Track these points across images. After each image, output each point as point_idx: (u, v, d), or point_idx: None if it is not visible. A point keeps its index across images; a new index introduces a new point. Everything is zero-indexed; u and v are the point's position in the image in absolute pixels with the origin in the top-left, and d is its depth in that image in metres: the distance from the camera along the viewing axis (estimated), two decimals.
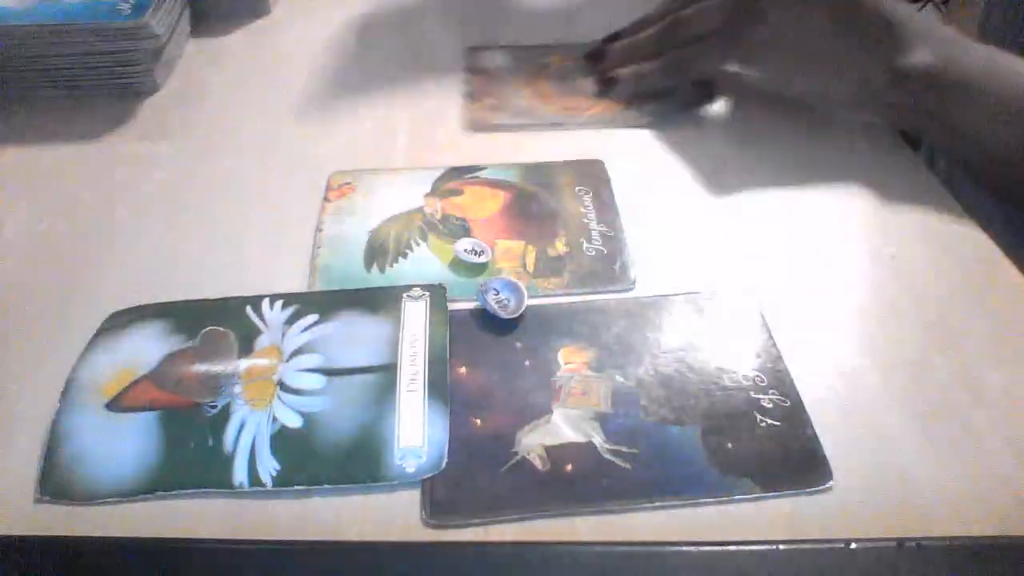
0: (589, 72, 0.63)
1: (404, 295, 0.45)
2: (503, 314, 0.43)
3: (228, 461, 0.37)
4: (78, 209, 0.52)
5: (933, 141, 0.53)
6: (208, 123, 0.60)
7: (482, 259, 0.47)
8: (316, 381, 0.40)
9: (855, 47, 0.53)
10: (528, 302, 0.44)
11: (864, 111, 0.55)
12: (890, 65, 0.51)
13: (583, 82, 0.63)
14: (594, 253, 0.48)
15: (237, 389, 0.40)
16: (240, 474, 0.36)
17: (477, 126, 0.59)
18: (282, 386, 0.40)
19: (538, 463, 0.37)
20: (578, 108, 0.61)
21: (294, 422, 0.38)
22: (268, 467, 0.36)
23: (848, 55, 0.53)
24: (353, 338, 0.42)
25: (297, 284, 0.46)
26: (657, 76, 0.59)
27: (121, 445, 0.37)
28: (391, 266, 0.47)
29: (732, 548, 0.33)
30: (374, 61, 0.68)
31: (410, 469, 0.36)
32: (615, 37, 0.65)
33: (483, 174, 0.54)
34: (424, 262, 0.47)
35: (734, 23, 0.56)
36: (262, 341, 0.42)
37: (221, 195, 0.53)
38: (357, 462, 0.36)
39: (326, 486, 0.36)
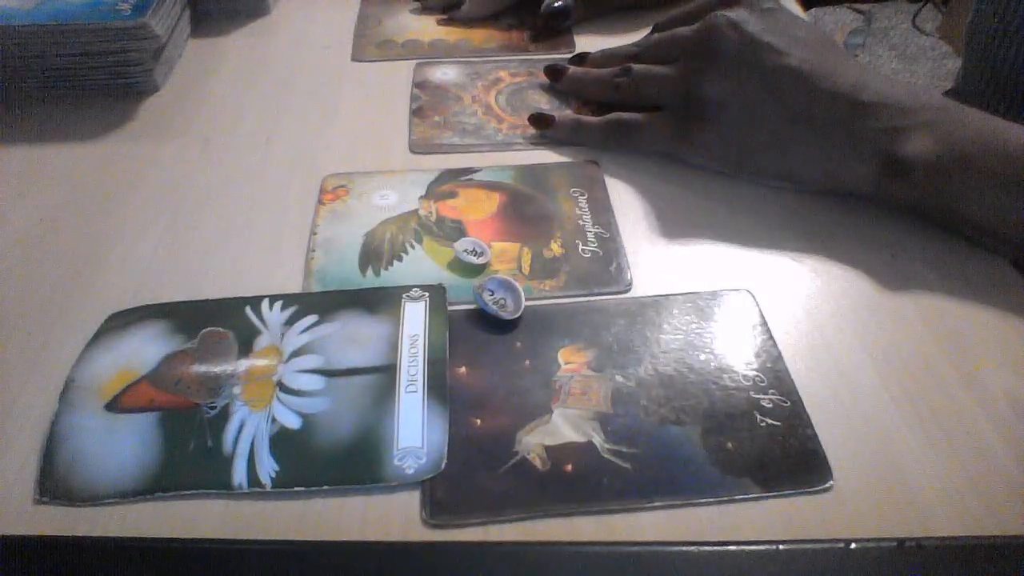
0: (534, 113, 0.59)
1: (403, 295, 0.45)
2: (504, 315, 0.43)
3: (227, 462, 0.37)
4: (78, 209, 0.52)
5: (931, 221, 0.48)
6: (208, 123, 0.60)
7: (482, 260, 0.47)
8: (315, 382, 0.40)
9: (822, 135, 0.48)
10: (526, 303, 0.44)
11: (840, 191, 0.51)
12: (886, 156, 0.46)
13: (536, 99, 0.62)
14: (590, 255, 0.48)
15: (236, 390, 0.40)
16: (239, 475, 0.36)
17: (418, 147, 0.57)
18: (281, 387, 0.40)
19: (538, 463, 0.37)
20: (529, 127, 0.59)
21: (293, 423, 0.38)
22: (267, 468, 0.36)
23: (814, 143, 0.49)
24: (353, 339, 0.42)
25: (292, 287, 0.46)
26: (595, 136, 0.56)
27: (120, 446, 0.37)
28: (386, 269, 0.47)
29: (732, 548, 0.33)
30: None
31: (409, 470, 0.36)
32: (581, 58, 0.63)
33: (478, 176, 0.54)
34: (420, 265, 0.47)
35: (679, 107, 0.53)
36: (261, 342, 0.42)
37: (220, 195, 0.53)
38: (356, 463, 0.36)
39: (325, 487, 0.36)
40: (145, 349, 0.42)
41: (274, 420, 0.38)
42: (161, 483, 0.36)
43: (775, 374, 0.40)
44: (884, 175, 0.47)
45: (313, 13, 0.75)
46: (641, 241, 0.49)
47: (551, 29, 0.71)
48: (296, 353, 0.42)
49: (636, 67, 0.57)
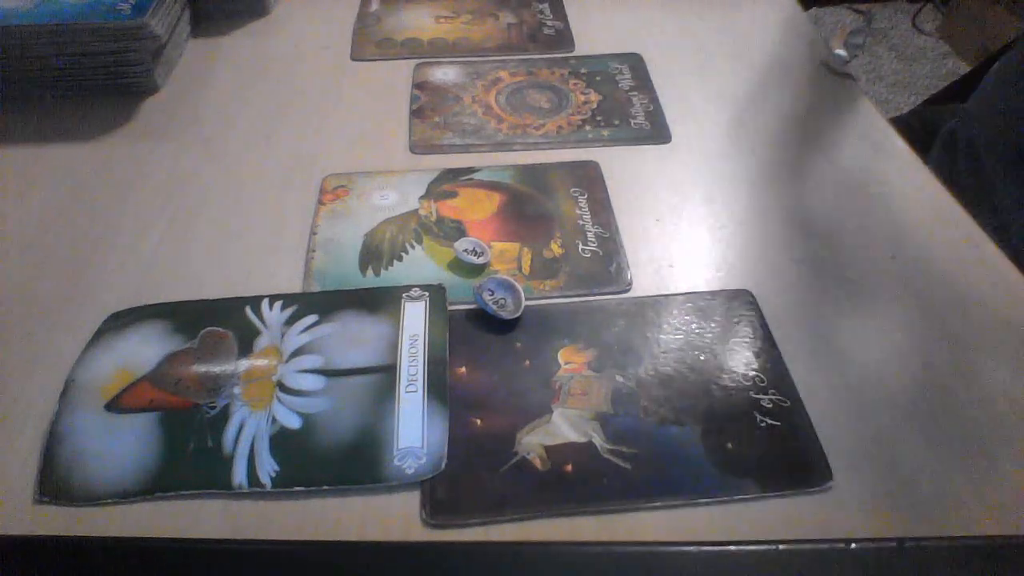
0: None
1: (403, 295, 0.45)
2: (503, 314, 0.43)
3: (227, 462, 0.36)
4: (78, 209, 0.52)
5: None
6: (208, 123, 0.60)
7: (482, 260, 0.47)
8: (316, 382, 0.40)
9: None
10: (526, 303, 0.44)
11: None
12: None
13: (535, 97, 0.62)
14: (590, 255, 0.48)
15: (236, 390, 0.40)
16: (239, 475, 0.36)
17: (418, 147, 0.57)
18: (282, 387, 0.40)
19: (538, 463, 0.37)
20: (529, 126, 0.59)
21: (293, 423, 0.38)
22: (267, 468, 0.36)
23: None
24: (353, 339, 0.42)
25: (293, 287, 0.46)
26: None
27: (120, 446, 0.37)
28: (386, 269, 0.47)
29: (732, 548, 0.33)
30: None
31: (409, 470, 0.36)
32: None
33: (478, 176, 0.54)
34: (420, 265, 0.47)
35: None
36: (261, 342, 0.42)
37: (220, 195, 0.53)
38: (356, 463, 0.36)
39: (325, 487, 0.36)
40: (145, 349, 0.42)
41: (274, 420, 0.38)
42: (161, 483, 0.36)
43: (775, 374, 0.40)
44: None
45: (313, 13, 0.75)
46: (641, 241, 0.49)
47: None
48: (296, 353, 0.42)
49: None
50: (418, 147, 0.57)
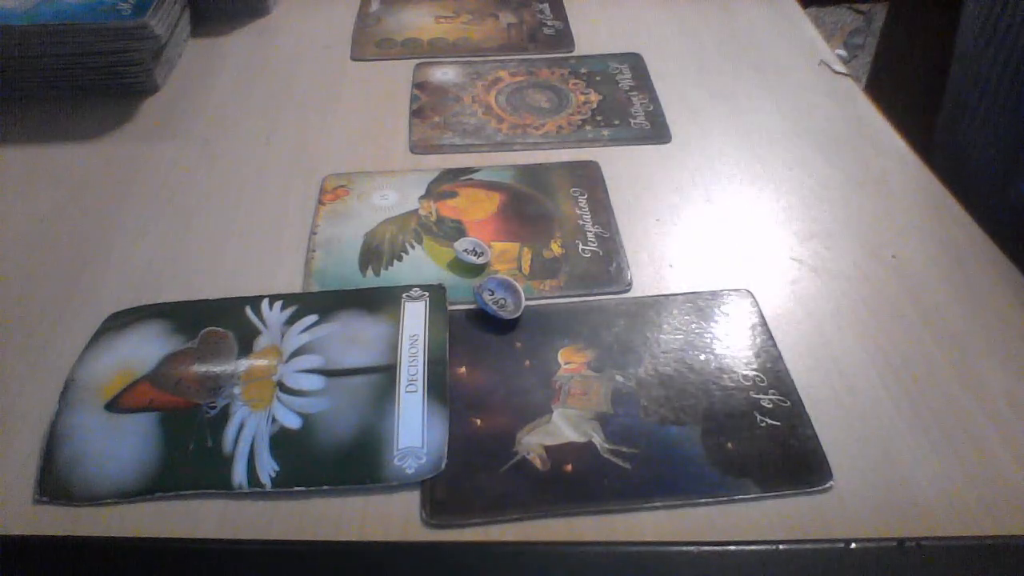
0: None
1: (403, 295, 0.45)
2: (503, 314, 0.43)
3: (227, 462, 0.36)
4: (78, 209, 0.52)
5: None
6: (208, 123, 0.60)
7: (482, 260, 0.47)
8: (316, 382, 0.40)
9: None
10: (526, 303, 0.44)
11: None
12: None
13: (535, 97, 0.62)
14: (590, 255, 0.48)
15: (236, 390, 0.40)
16: (239, 475, 0.36)
17: (418, 147, 0.57)
18: (282, 387, 0.40)
19: (538, 463, 0.37)
20: (529, 126, 0.59)
21: (293, 423, 0.38)
22: (267, 468, 0.36)
23: None
24: (353, 339, 0.42)
25: (293, 287, 0.46)
26: None
27: (120, 446, 0.37)
28: (386, 269, 0.47)
29: (732, 548, 0.33)
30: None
31: (409, 470, 0.36)
32: None
33: (478, 176, 0.54)
34: (420, 265, 0.47)
35: None
36: (261, 342, 0.42)
37: (220, 195, 0.53)
38: (356, 463, 0.36)
39: (325, 487, 0.36)
40: (145, 349, 0.42)
41: (274, 420, 0.38)
42: (161, 483, 0.36)
43: (775, 374, 0.40)
44: None
45: (313, 13, 0.75)
46: (641, 241, 0.49)
47: None
48: (296, 353, 0.42)
49: None
50: (418, 147, 0.57)
